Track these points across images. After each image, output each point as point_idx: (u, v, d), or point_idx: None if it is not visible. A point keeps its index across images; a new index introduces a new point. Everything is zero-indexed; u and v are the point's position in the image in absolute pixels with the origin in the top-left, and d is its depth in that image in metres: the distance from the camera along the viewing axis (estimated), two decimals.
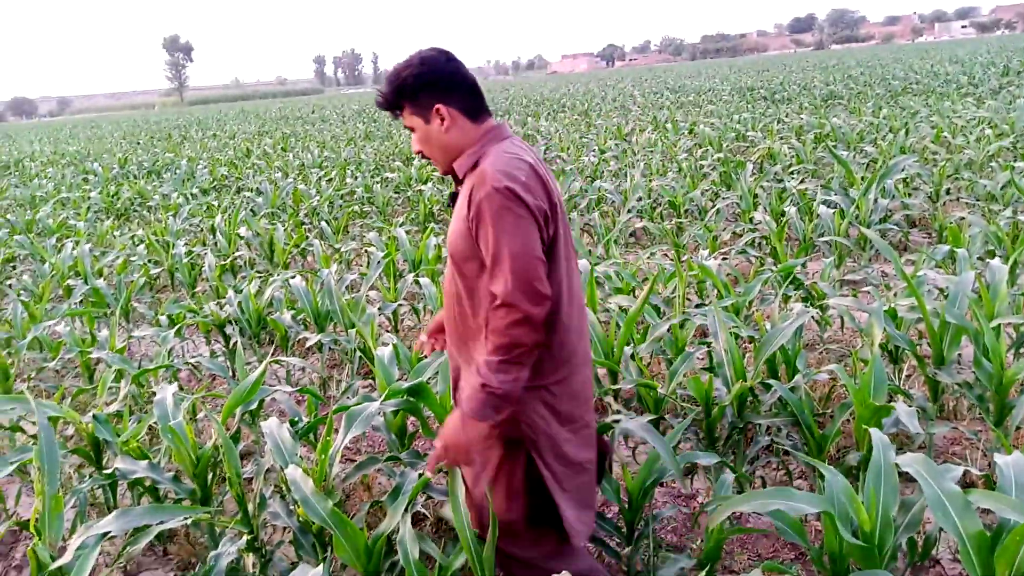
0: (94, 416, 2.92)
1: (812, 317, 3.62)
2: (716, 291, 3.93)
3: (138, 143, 23.13)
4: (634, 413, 2.93)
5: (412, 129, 1.86)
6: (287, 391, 2.98)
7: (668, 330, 3.24)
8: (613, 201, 7.38)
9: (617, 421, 2.32)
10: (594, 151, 11.25)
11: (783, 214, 5.84)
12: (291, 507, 2.39)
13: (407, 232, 6.40)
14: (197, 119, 38.82)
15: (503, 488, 1.84)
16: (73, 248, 6.19)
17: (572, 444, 1.85)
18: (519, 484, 1.84)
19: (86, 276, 5.66)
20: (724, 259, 4.92)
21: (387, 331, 4.71)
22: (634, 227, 6.56)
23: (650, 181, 7.72)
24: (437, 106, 1.79)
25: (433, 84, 1.79)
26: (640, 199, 7.03)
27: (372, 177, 10.25)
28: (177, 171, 13.44)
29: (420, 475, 2.30)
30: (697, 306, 4.14)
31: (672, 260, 5.18)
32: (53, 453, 2.18)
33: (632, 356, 3.10)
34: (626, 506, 2.26)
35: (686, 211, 6.92)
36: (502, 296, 1.66)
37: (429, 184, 8.60)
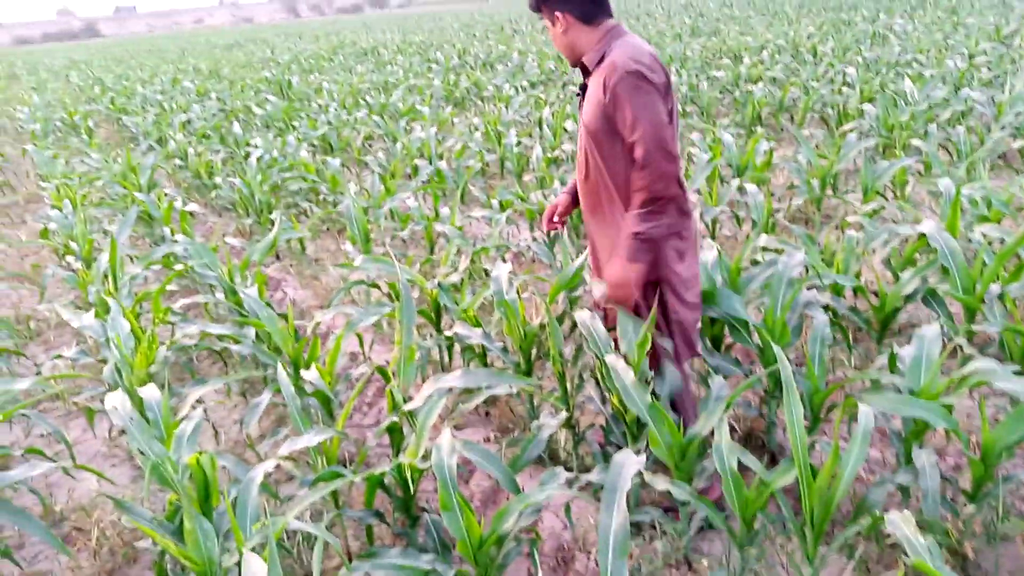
0: (439, 284, 3.25)
1: None
2: None
3: (474, 35, 24.61)
4: (994, 360, 2.54)
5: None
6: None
7: None
8: (983, 115, 6.29)
9: (988, 371, 1.99)
10: (961, 55, 9.61)
11: None
12: (606, 394, 2.46)
13: (732, 135, 6.08)
14: (528, 13, 40.14)
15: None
16: (421, 132, 6.83)
17: (689, 284, 2.26)
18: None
19: (431, 158, 6.24)
20: None
21: (703, 236, 4.59)
22: (1008, 147, 5.55)
23: None
24: (556, 13, 2.16)
25: None
26: (1019, 114, 5.90)
27: (698, 75, 9.84)
28: (508, 64, 14.12)
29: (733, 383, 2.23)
30: None
31: None
32: (411, 310, 2.46)
33: (1000, 296, 2.66)
34: (977, 461, 1.98)
35: None
36: (643, 159, 2.03)
37: (760, 85, 8.02)
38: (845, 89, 7.62)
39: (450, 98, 10.94)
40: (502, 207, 4.90)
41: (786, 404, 1.92)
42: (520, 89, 10.58)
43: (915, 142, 5.00)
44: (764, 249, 3.31)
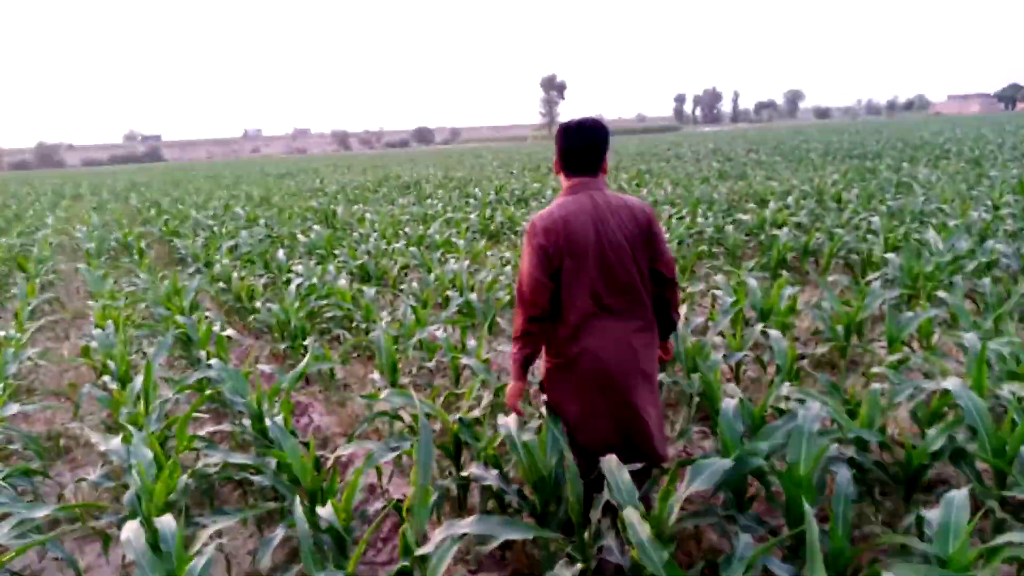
0: (460, 419, 3.27)
1: None
2: None
3: (511, 173, 25.67)
4: None
5: None
6: None
7: None
8: (1009, 266, 6.32)
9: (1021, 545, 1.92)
10: (985, 206, 9.77)
11: None
12: (625, 546, 2.42)
13: (757, 279, 6.18)
14: None
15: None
16: (454, 263, 7.04)
17: (572, 413, 2.71)
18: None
19: (462, 289, 6.40)
20: None
21: (728, 380, 4.58)
22: None
23: None
24: (555, 158, 2.75)
25: (557, 142, 2.71)
26: None
27: (724, 218, 10.10)
28: (542, 200, 14.64)
29: (760, 541, 2.18)
30: None
31: None
32: (429, 449, 2.48)
33: None
34: None
35: None
36: (516, 297, 2.69)
37: (784, 229, 8.20)
38: (870, 236, 7.75)
39: (485, 231, 11.31)
40: None
41: (809, 573, 1.88)
42: None
43: (940, 293, 5.03)
44: (787, 398, 3.30)
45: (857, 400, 3.56)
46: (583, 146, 2.65)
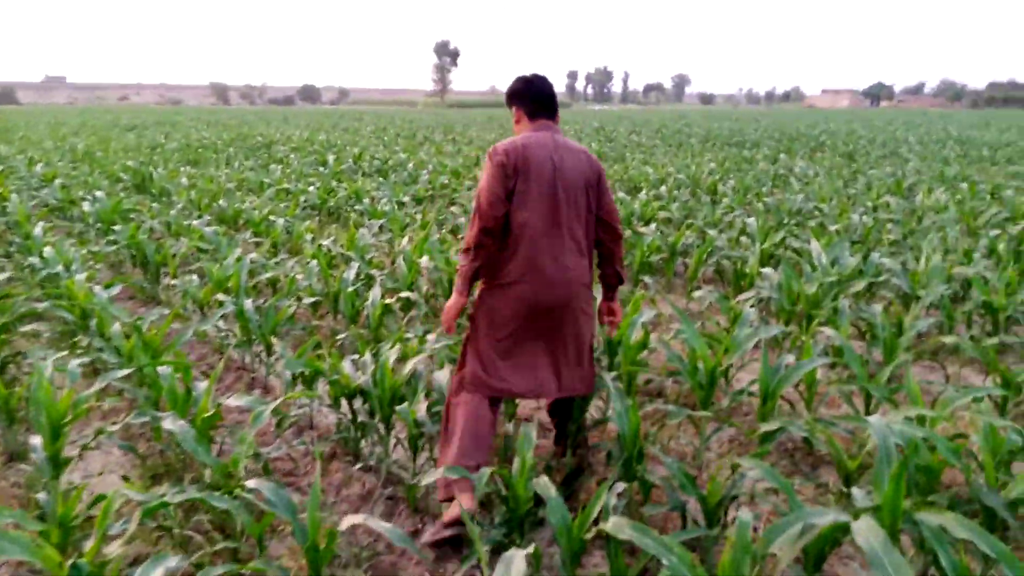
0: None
1: None
2: None
3: (383, 140, 23.84)
4: None
5: None
6: None
7: None
8: (899, 288, 5.47)
9: None
10: (865, 207, 9.15)
11: None
12: None
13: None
14: (446, 123, 40.18)
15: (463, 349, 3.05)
16: (236, 261, 5.47)
17: (493, 339, 2.91)
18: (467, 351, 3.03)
19: (237, 292, 4.91)
20: None
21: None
22: (932, 334, 4.67)
23: (950, 267, 5.66)
24: (513, 107, 3.06)
25: (513, 94, 3.06)
26: (941, 296, 4.99)
27: None
28: (403, 172, 13.16)
29: None
30: None
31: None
32: None
33: None
34: None
35: (1008, 319, 4.88)
36: (473, 211, 2.87)
37: (652, 226, 7.16)
38: (743, 239, 6.79)
39: (323, 207, 9.75)
40: (304, 381, 3.63)
41: None
42: (400, 205, 9.50)
43: (825, 330, 3.98)
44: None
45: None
46: (548, 93, 2.99)
